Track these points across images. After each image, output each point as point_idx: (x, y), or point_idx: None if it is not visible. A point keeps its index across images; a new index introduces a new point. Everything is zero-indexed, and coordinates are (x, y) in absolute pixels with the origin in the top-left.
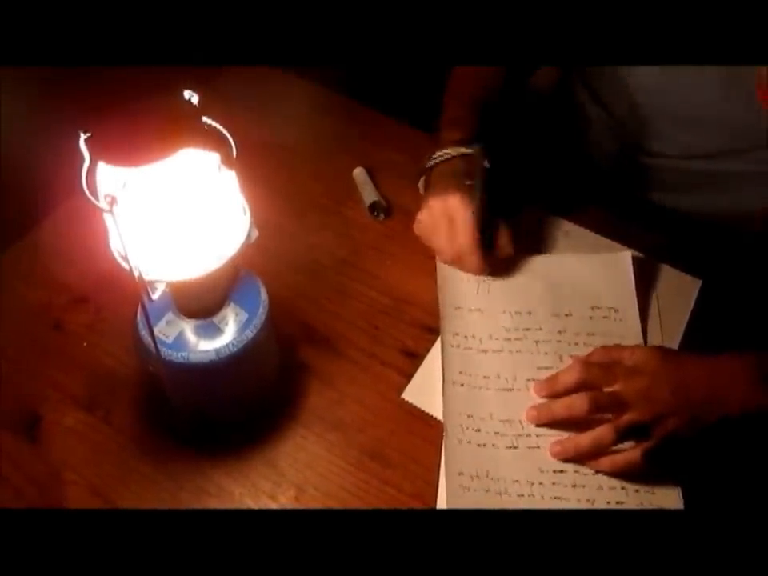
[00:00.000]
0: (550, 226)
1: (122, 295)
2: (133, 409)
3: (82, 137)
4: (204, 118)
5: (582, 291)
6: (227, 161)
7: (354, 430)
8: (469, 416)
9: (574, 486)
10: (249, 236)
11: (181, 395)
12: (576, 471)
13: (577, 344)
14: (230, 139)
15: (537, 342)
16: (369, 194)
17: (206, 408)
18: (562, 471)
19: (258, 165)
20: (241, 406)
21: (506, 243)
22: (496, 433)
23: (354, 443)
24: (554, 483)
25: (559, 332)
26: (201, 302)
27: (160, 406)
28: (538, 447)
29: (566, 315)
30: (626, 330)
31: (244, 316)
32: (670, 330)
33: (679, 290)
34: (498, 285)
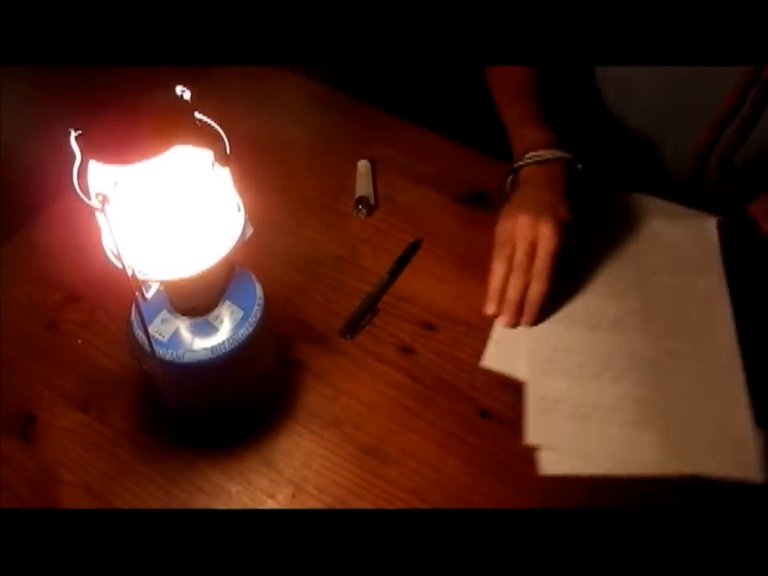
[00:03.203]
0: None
1: (116, 293)
2: (128, 408)
3: (73, 134)
4: (197, 114)
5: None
6: (221, 157)
7: (350, 426)
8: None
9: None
10: (243, 233)
11: (176, 394)
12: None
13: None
14: (224, 135)
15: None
16: (360, 189)
17: (202, 406)
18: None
19: (252, 161)
20: (236, 403)
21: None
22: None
23: (350, 440)
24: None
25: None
26: (195, 300)
27: (155, 405)
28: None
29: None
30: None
31: (239, 314)
32: None
33: None
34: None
